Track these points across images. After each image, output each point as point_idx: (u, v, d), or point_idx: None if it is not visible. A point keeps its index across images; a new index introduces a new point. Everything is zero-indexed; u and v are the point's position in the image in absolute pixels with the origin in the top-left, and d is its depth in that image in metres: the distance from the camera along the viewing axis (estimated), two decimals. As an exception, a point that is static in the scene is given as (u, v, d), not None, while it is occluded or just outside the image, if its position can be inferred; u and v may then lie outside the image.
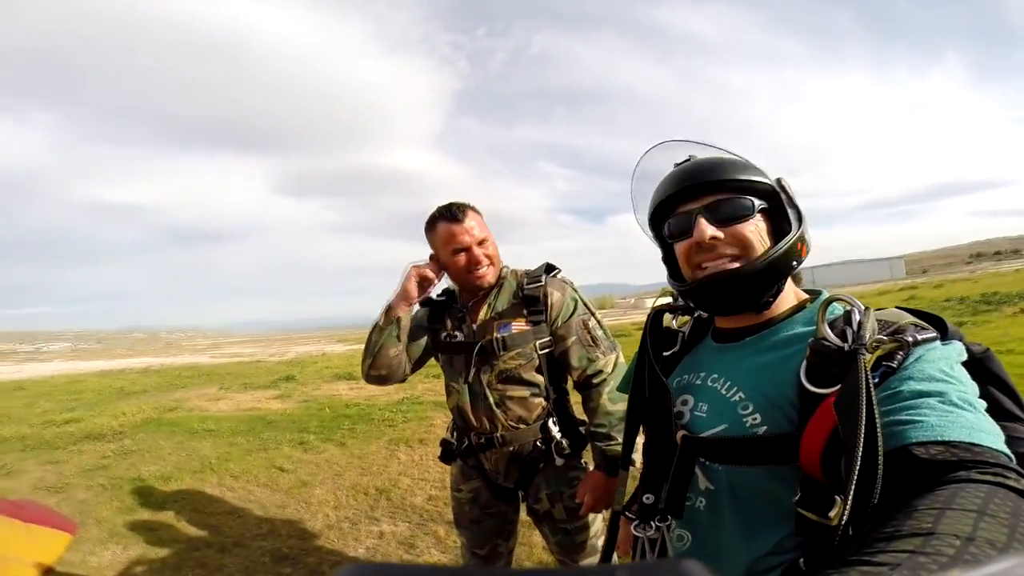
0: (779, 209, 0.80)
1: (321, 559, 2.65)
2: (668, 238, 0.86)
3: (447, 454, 1.71)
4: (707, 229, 0.77)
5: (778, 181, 0.82)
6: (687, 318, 0.99)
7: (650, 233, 0.93)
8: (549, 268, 1.65)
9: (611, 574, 0.21)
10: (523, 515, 1.75)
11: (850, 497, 0.54)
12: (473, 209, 1.59)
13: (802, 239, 0.79)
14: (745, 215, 0.78)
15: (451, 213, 1.55)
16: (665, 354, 0.94)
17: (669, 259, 0.90)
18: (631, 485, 0.98)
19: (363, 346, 1.62)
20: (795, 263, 0.78)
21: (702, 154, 0.85)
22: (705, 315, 0.94)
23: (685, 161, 0.85)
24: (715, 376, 0.82)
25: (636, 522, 0.85)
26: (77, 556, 2.72)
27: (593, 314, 1.61)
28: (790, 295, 0.83)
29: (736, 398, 0.76)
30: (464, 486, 1.71)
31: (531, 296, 1.57)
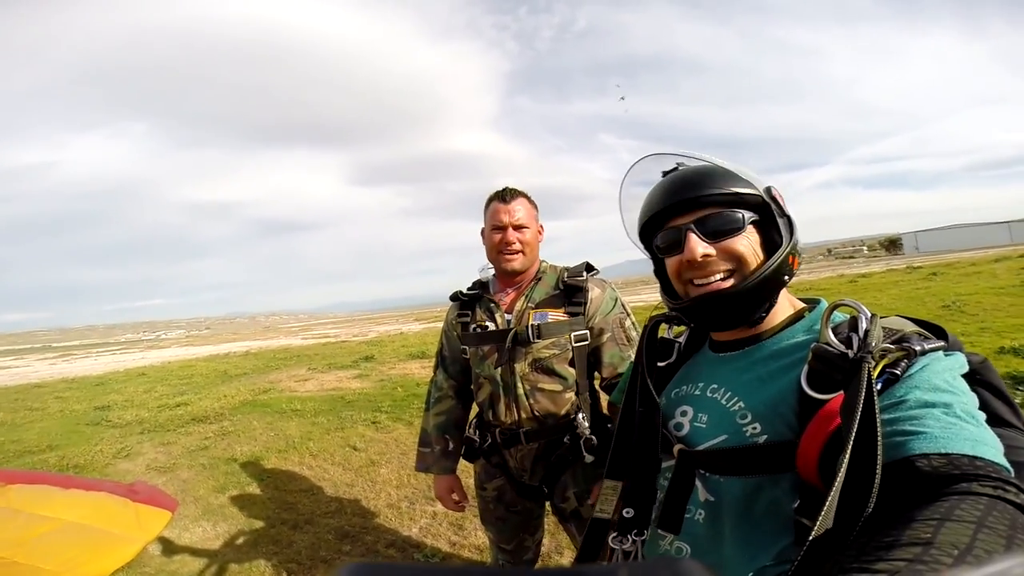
0: (770, 219, 0.78)
1: (378, 537, 2.85)
2: (658, 252, 0.84)
3: (470, 452, 1.72)
4: (698, 247, 0.75)
5: (768, 191, 0.78)
6: (683, 328, 0.97)
7: (640, 246, 0.90)
8: (589, 267, 1.65)
9: (611, 574, 0.22)
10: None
11: (830, 501, 0.54)
12: (526, 197, 1.65)
13: (794, 251, 0.76)
14: (736, 229, 0.76)
15: (501, 194, 1.63)
16: (660, 364, 0.93)
17: (660, 273, 0.88)
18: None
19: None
20: (786, 277, 0.77)
21: (692, 164, 0.83)
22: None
23: (673, 170, 0.83)
24: (714, 386, 0.81)
25: (614, 534, 0.85)
26: (174, 532, 3.08)
27: (629, 315, 1.62)
28: (785, 304, 0.81)
29: (736, 408, 0.76)
30: (488, 484, 1.71)
31: (572, 287, 1.58)
